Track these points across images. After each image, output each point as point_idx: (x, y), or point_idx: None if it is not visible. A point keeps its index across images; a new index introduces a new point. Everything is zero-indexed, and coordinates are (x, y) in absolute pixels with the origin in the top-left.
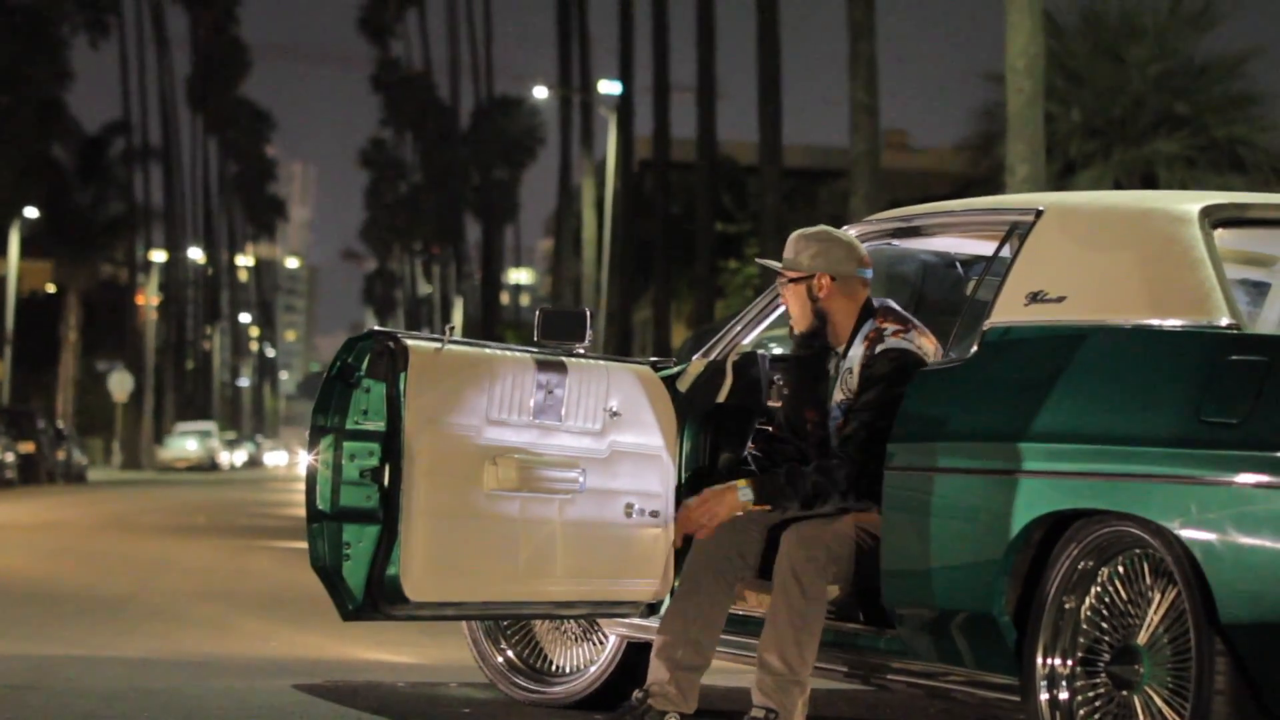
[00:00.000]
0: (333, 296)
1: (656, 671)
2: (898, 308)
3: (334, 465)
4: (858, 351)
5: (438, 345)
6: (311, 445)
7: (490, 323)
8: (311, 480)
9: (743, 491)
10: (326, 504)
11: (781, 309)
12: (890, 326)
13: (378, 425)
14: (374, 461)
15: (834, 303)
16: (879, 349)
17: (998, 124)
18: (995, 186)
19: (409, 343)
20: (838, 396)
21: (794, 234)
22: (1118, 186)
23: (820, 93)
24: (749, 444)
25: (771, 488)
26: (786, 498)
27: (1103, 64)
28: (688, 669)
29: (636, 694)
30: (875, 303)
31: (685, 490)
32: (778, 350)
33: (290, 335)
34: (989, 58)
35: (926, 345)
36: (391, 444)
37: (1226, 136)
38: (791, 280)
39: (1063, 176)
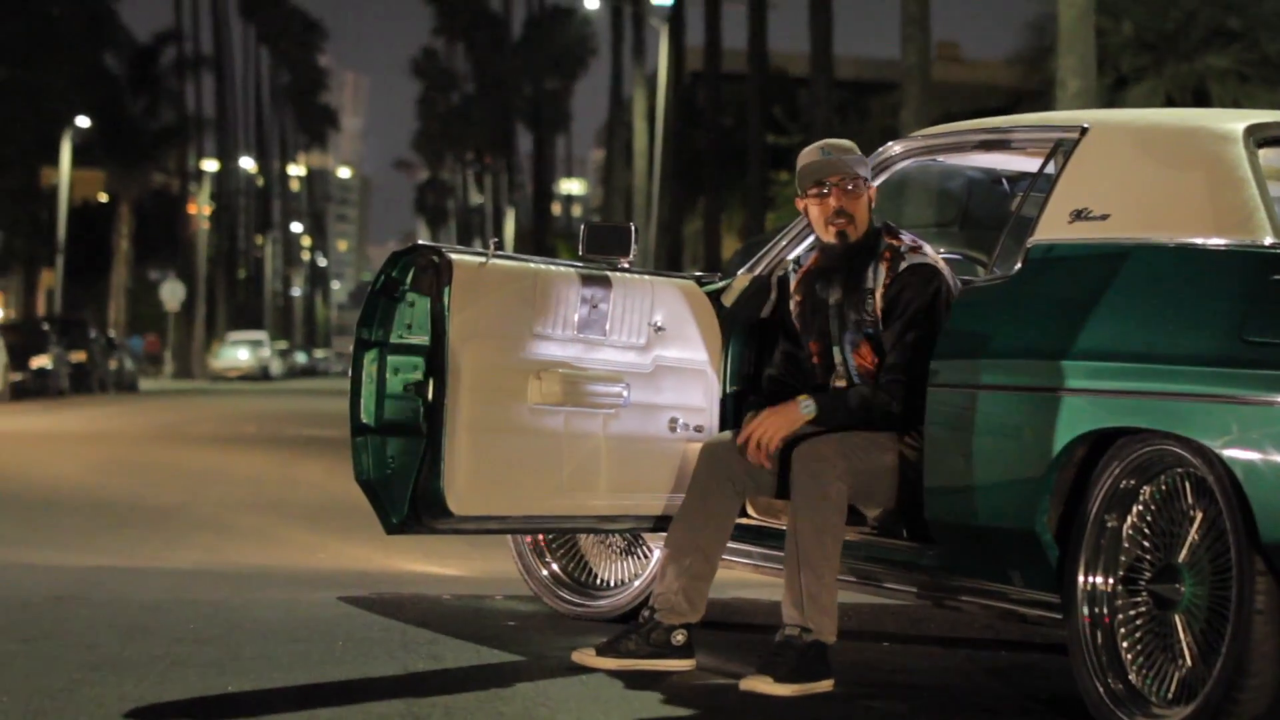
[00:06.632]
0: (385, 206)
1: (665, 581)
2: (893, 225)
3: (378, 379)
4: (876, 273)
5: (481, 260)
6: (356, 359)
7: (542, 233)
8: (356, 394)
9: (804, 405)
10: (371, 418)
11: None
12: (903, 244)
13: (422, 339)
14: (418, 375)
15: (868, 213)
16: (902, 267)
17: (1049, 37)
18: (1046, 100)
19: (453, 257)
20: (852, 317)
21: (837, 143)
22: (1169, 102)
23: (872, 4)
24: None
25: (833, 410)
26: (845, 422)
27: None
28: (695, 578)
29: (644, 613)
30: (876, 222)
31: (729, 406)
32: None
33: (342, 245)
34: None
35: (937, 257)
36: (435, 358)
37: (1279, 52)
38: (862, 188)
39: (1114, 91)
